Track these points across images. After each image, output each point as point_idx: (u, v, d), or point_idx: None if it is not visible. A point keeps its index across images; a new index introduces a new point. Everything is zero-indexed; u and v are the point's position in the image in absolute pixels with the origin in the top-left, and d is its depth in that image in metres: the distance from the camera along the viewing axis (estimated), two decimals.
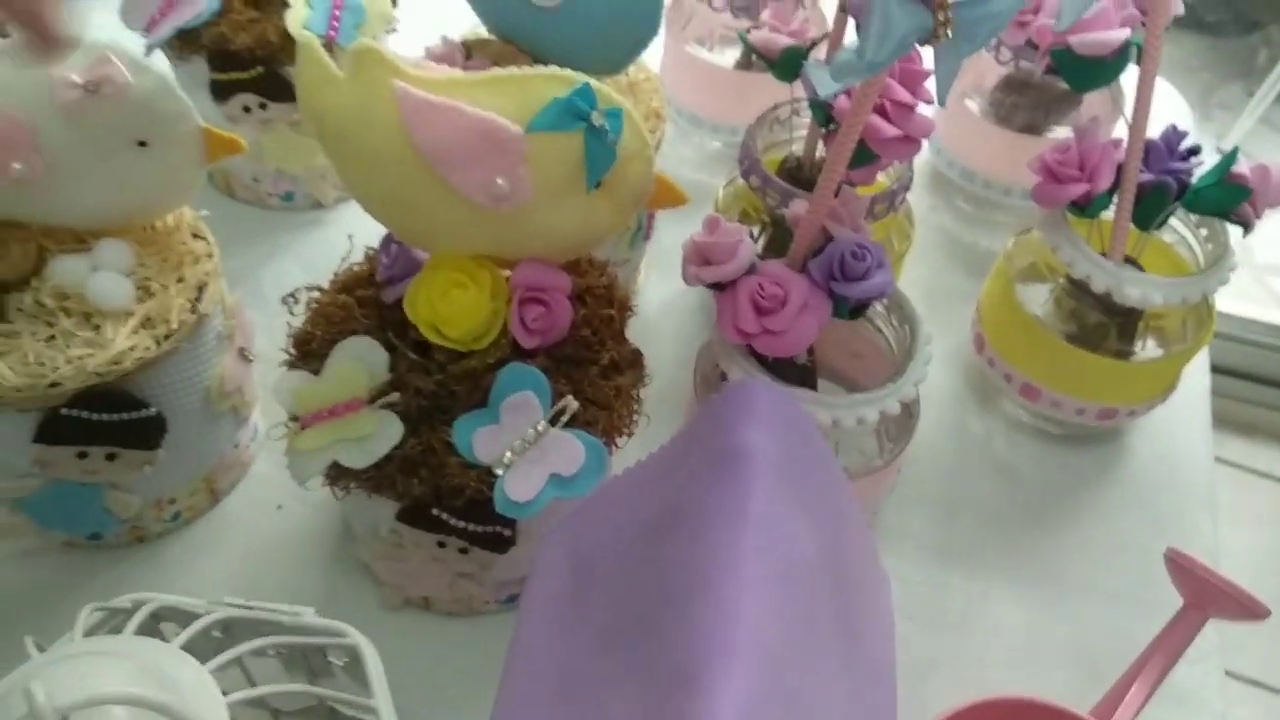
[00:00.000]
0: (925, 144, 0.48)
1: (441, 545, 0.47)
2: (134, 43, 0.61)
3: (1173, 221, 0.57)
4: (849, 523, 0.37)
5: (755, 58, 0.61)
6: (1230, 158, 0.52)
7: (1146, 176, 0.53)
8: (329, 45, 0.63)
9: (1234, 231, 0.55)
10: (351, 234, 0.52)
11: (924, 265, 0.71)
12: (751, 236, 0.49)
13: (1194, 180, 0.54)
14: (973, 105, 0.71)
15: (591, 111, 0.41)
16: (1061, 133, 0.69)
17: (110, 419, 0.47)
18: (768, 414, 0.33)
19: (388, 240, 0.48)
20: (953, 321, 0.67)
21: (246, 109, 0.65)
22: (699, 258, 0.49)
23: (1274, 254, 1.55)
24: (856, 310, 0.48)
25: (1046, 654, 0.54)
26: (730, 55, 0.75)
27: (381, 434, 0.44)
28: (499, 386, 0.45)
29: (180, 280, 0.49)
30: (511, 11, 0.56)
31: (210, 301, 0.50)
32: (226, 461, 0.56)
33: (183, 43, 0.62)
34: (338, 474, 0.45)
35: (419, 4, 0.70)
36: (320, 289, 0.50)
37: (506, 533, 0.46)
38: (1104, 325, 0.57)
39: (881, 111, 0.44)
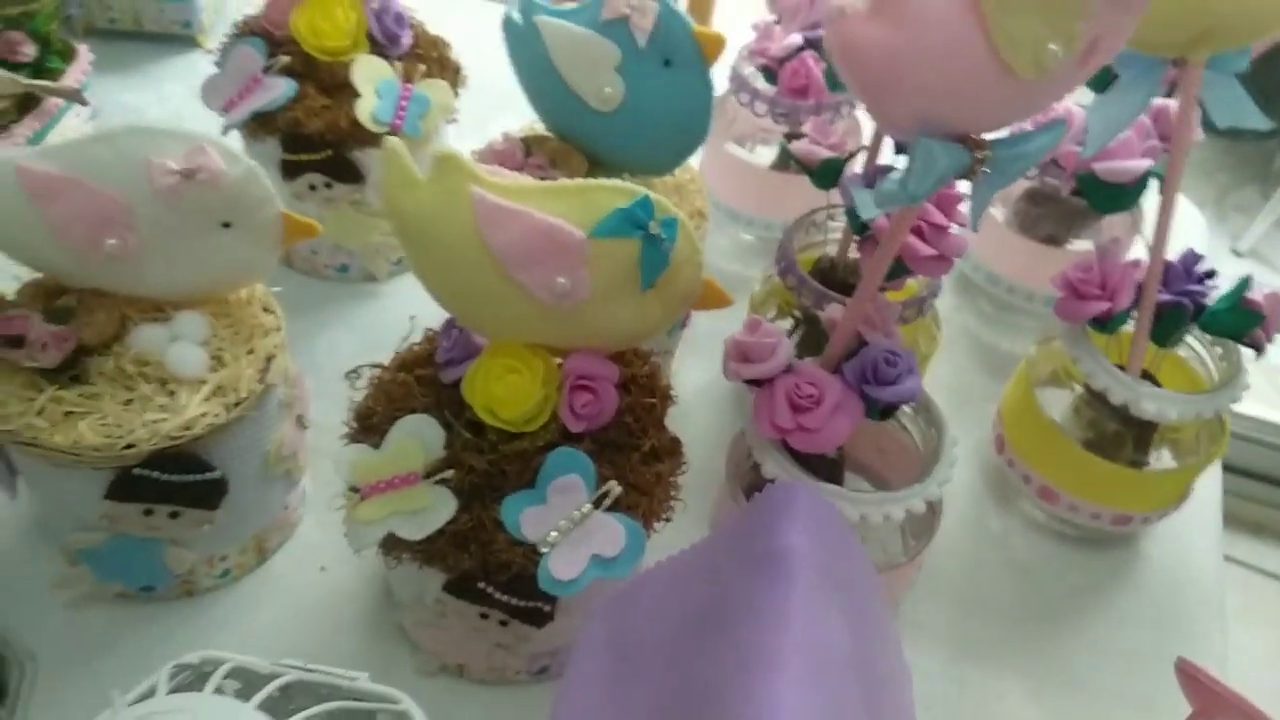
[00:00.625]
0: None
1: (484, 617, 0.50)
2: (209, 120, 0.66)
3: (1189, 339, 0.60)
4: (878, 617, 0.39)
5: (793, 162, 0.65)
6: (1243, 284, 0.55)
7: (1165, 297, 0.56)
8: (394, 133, 0.67)
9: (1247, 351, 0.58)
10: (414, 315, 0.55)
11: (947, 364, 0.74)
12: (786, 333, 0.52)
13: (1210, 302, 0.57)
14: (998, 214, 0.74)
15: (649, 221, 0.44)
16: (1081, 245, 0.73)
17: (178, 480, 0.50)
18: (807, 514, 0.36)
19: (449, 325, 0.52)
20: (973, 420, 0.70)
21: (312, 187, 0.68)
22: (739, 355, 0.52)
23: None
24: (886, 411, 0.51)
25: None
26: (767, 155, 0.79)
27: (436, 508, 0.47)
28: (547, 469, 0.48)
29: (250, 352, 0.52)
30: (570, 112, 0.60)
31: (276, 372, 0.53)
32: (276, 522, 0.59)
33: (258, 124, 0.66)
34: (392, 544, 0.47)
35: (479, 97, 0.74)
36: (382, 366, 0.53)
37: (547, 608, 0.49)
38: (1121, 435, 0.60)
39: (918, 232, 0.48)
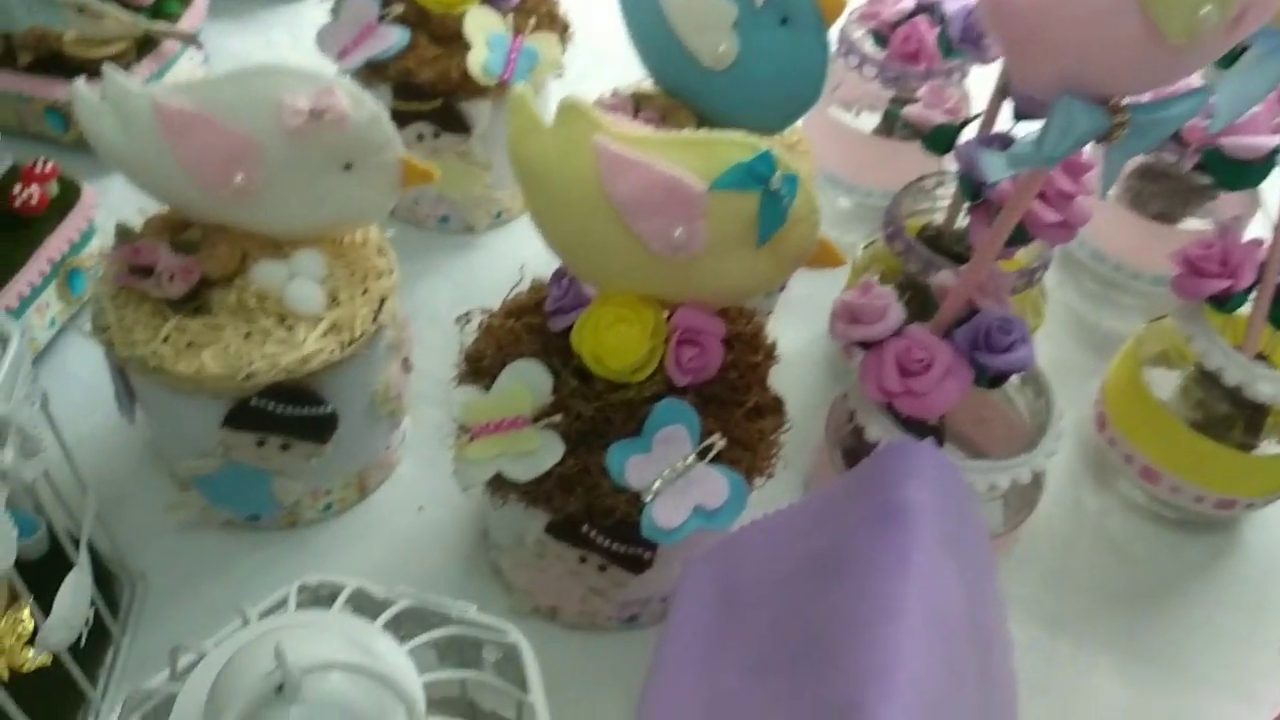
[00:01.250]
0: None
1: (582, 560, 0.50)
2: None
3: None
4: (989, 583, 0.39)
5: (901, 126, 0.64)
6: None
7: None
8: (502, 85, 0.68)
9: None
10: (523, 264, 0.55)
11: (1048, 341, 0.72)
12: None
13: None
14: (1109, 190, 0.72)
15: (771, 176, 0.44)
16: (1194, 224, 0.71)
17: (292, 412, 0.52)
18: (929, 473, 0.36)
19: (559, 274, 0.52)
20: (1073, 397, 0.69)
21: (420, 137, 0.69)
22: (848, 316, 0.51)
23: None
24: (996, 380, 0.50)
25: None
26: (871, 120, 0.78)
27: (544, 451, 0.48)
28: (653, 419, 0.48)
29: (365, 292, 0.54)
30: (681, 70, 0.59)
31: (388, 314, 0.54)
32: (378, 461, 0.60)
33: (370, 72, 0.67)
34: (499, 484, 0.48)
35: (583, 53, 0.74)
36: (490, 311, 0.54)
37: (646, 555, 0.49)
38: (1231, 417, 0.58)
39: (1042, 197, 0.47)
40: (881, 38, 0.71)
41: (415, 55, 0.66)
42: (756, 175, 0.44)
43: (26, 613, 0.51)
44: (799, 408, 0.65)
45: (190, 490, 0.57)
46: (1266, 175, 0.56)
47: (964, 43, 0.66)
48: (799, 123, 0.64)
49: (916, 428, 0.53)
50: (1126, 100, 0.39)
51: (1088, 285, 0.77)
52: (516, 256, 0.77)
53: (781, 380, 0.55)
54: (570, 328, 0.50)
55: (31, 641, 0.50)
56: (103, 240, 0.69)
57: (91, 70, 0.73)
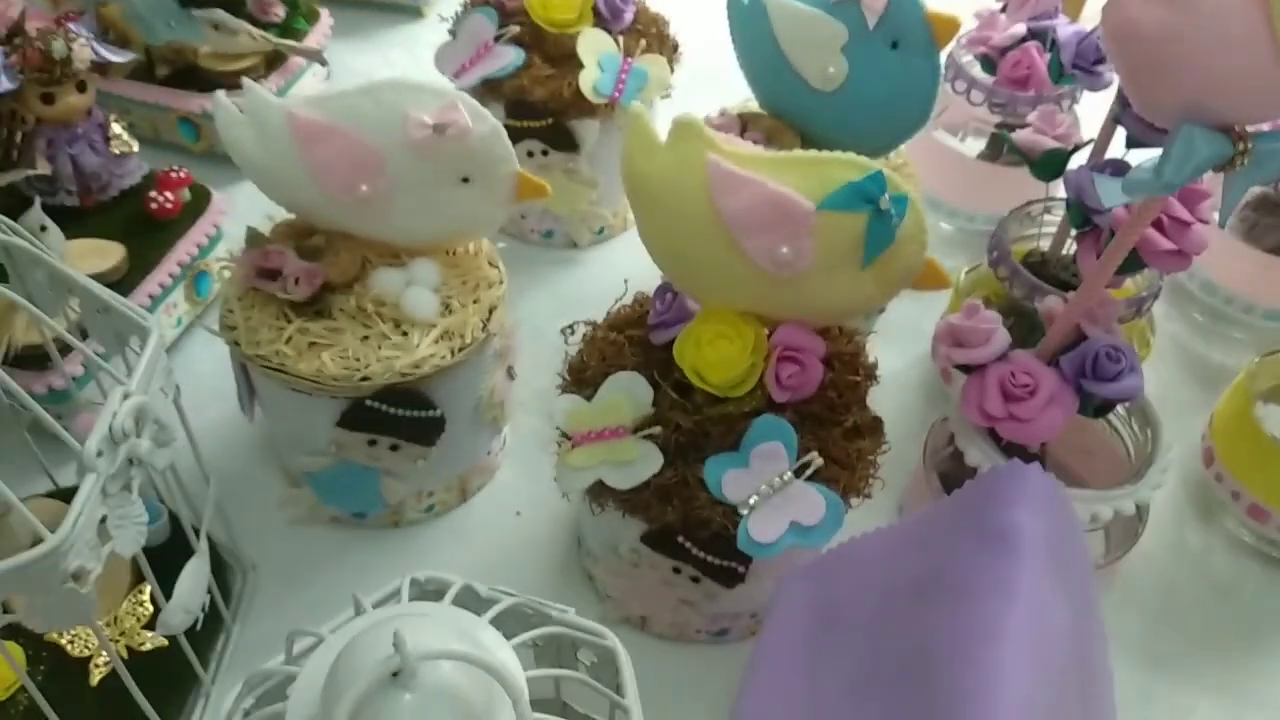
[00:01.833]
0: None
1: (676, 571, 0.51)
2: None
3: None
4: (1093, 609, 0.38)
5: (1007, 151, 0.63)
6: None
7: None
8: (612, 105, 0.69)
9: None
10: (627, 278, 0.56)
11: (1154, 372, 0.71)
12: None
13: None
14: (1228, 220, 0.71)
15: (881, 196, 0.45)
16: None
17: (404, 414, 0.54)
18: (1038, 497, 0.36)
19: (663, 289, 0.53)
20: (1178, 432, 0.67)
21: (530, 154, 0.71)
22: (952, 339, 0.51)
23: None
24: (1101, 408, 0.50)
25: None
26: (976, 145, 0.78)
27: (643, 461, 0.49)
28: (752, 434, 0.49)
29: (476, 301, 0.56)
30: (789, 90, 0.60)
31: (497, 323, 0.56)
32: (479, 466, 0.62)
33: (485, 89, 0.69)
34: (598, 492, 0.49)
35: (689, 73, 0.75)
36: (594, 324, 0.55)
37: (741, 569, 0.50)
38: None
39: (1158, 225, 0.46)
40: (990, 62, 0.71)
41: (529, 74, 0.69)
42: (866, 195, 0.45)
43: (147, 596, 0.54)
44: (896, 430, 0.65)
45: (302, 487, 0.59)
46: None
47: (1075, 69, 0.65)
48: (904, 146, 0.64)
49: (1017, 455, 0.52)
50: (1249, 129, 0.39)
51: (1196, 317, 0.75)
52: (618, 271, 0.78)
53: (879, 402, 0.55)
54: (672, 341, 0.51)
55: (150, 625, 0.53)
56: (229, 245, 0.73)
57: (224, 84, 0.77)
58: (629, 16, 0.72)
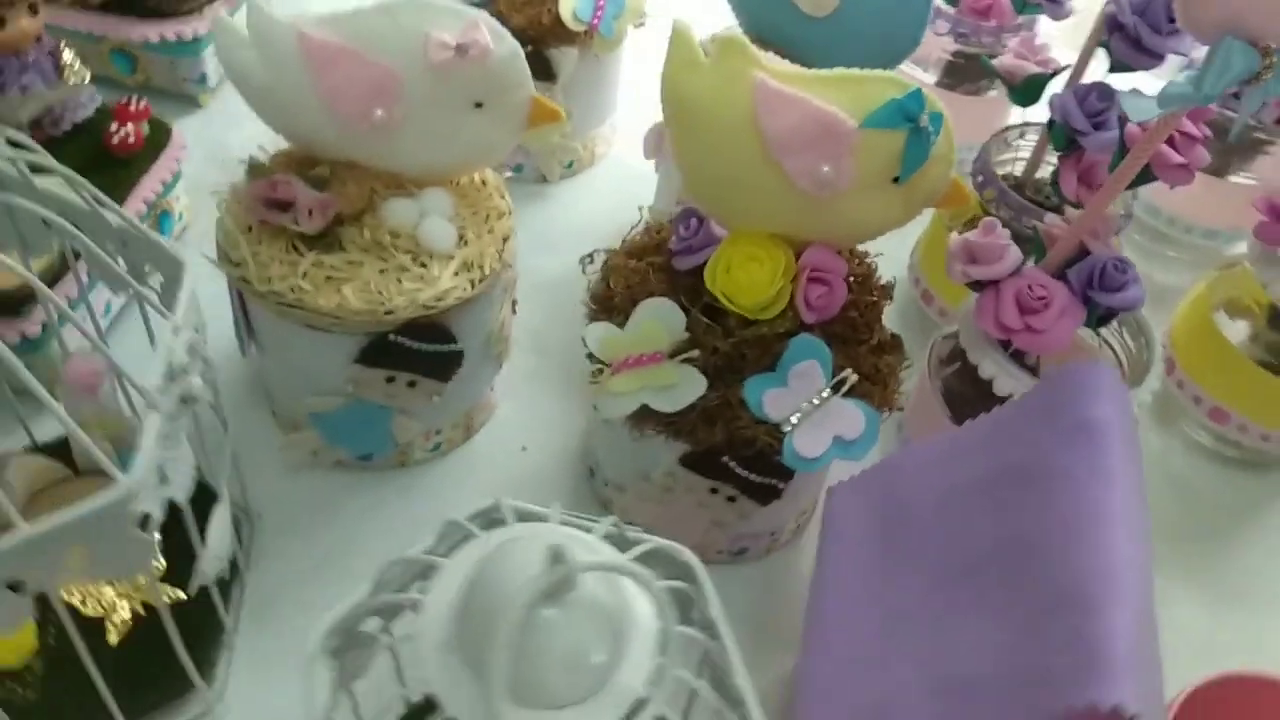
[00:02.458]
0: None
1: (713, 492, 0.52)
2: None
3: None
4: (1146, 495, 0.41)
5: (995, 81, 0.66)
6: None
7: None
8: (590, 32, 0.68)
9: None
10: (642, 205, 0.56)
11: None
12: None
13: None
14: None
15: (920, 114, 0.46)
16: (1241, 179, 0.74)
17: (428, 349, 0.52)
18: (1113, 392, 0.38)
19: (687, 214, 0.53)
20: None
21: None
22: (968, 256, 0.53)
23: None
24: (1104, 318, 0.53)
25: (1226, 650, 0.58)
26: (931, 76, 0.80)
27: (686, 385, 0.49)
28: (789, 354, 0.49)
29: (490, 232, 0.54)
30: (779, 17, 0.61)
31: (510, 254, 0.55)
32: (483, 402, 0.61)
33: None
34: (641, 417, 0.49)
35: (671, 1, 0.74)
36: (612, 252, 0.55)
37: (781, 486, 0.51)
38: None
39: (1170, 141, 0.49)
40: None
41: (507, 0, 0.67)
42: (907, 113, 0.46)
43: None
44: None
45: (303, 430, 0.57)
46: None
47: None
48: None
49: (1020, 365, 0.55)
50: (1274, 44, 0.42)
51: (1137, 238, 0.80)
52: (589, 206, 0.79)
53: None
54: (696, 268, 0.51)
55: (164, 579, 0.51)
56: (187, 185, 0.69)
57: (166, 10, 0.72)
58: None
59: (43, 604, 0.49)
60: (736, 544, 0.57)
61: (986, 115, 0.77)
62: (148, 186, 0.62)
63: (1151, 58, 0.55)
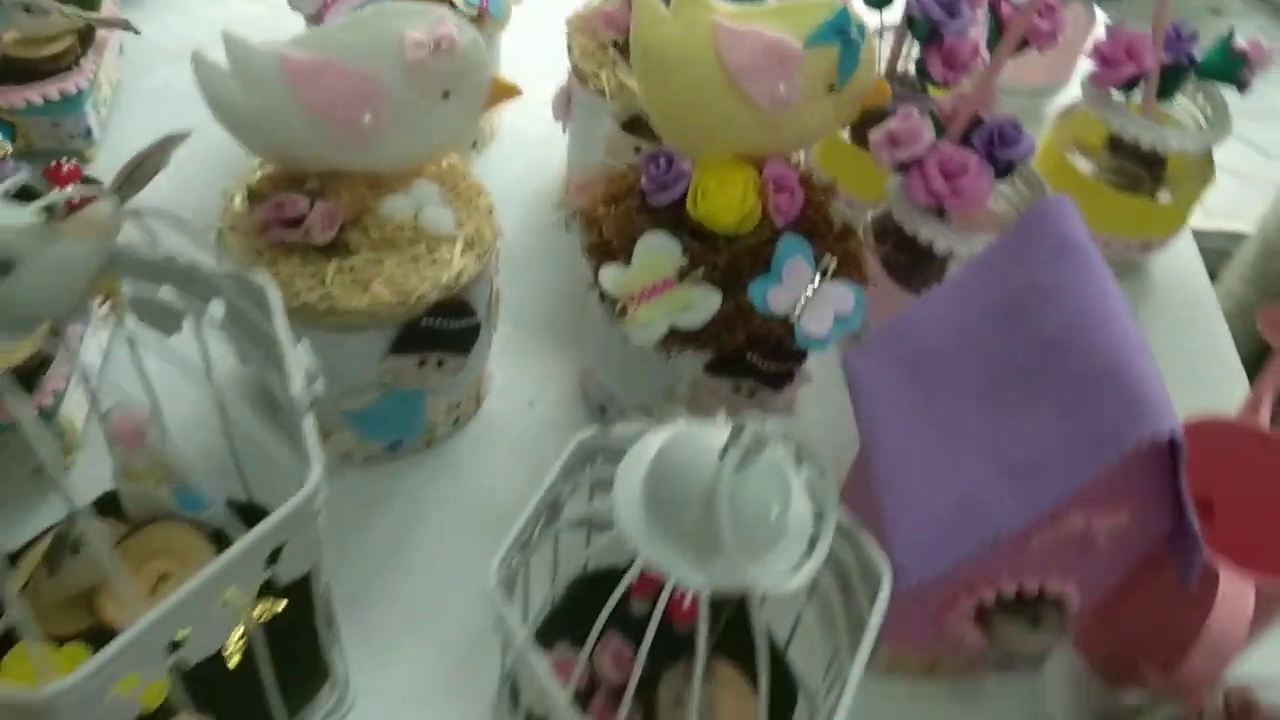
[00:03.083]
0: None
1: (736, 390, 0.59)
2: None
3: (1181, 99, 0.75)
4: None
5: None
6: (1229, 36, 0.70)
7: (1165, 59, 0.71)
8: (480, 15, 0.72)
9: None
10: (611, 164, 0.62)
11: None
12: None
13: (1199, 57, 0.71)
14: None
15: (850, 28, 0.54)
16: None
17: (457, 325, 0.56)
18: (1077, 217, 0.47)
19: (654, 155, 0.59)
20: None
21: None
22: (890, 142, 0.62)
23: None
24: (1006, 170, 0.63)
25: None
26: None
27: (702, 300, 0.55)
28: (779, 255, 0.57)
29: (476, 208, 0.58)
30: None
31: (497, 223, 0.59)
32: (487, 369, 0.66)
33: None
34: (670, 339, 0.56)
35: None
36: (585, 205, 0.60)
37: (795, 369, 0.59)
38: (1140, 176, 0.75)
39: (1039, 13, 0.59)
40: None
41: None
42: (839, 29, 0.54)
43: None
44: None
45: (334, 434, 0.60)
46: None
47: None
48: None
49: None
50: None
51: None
52: (505, 177, 0.83)
53: None
54: (673, 202, 0.57)
55: None
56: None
57: (41, 71, 0.71)
58: None
59: None
60: None
61: None
62: None
63: None
